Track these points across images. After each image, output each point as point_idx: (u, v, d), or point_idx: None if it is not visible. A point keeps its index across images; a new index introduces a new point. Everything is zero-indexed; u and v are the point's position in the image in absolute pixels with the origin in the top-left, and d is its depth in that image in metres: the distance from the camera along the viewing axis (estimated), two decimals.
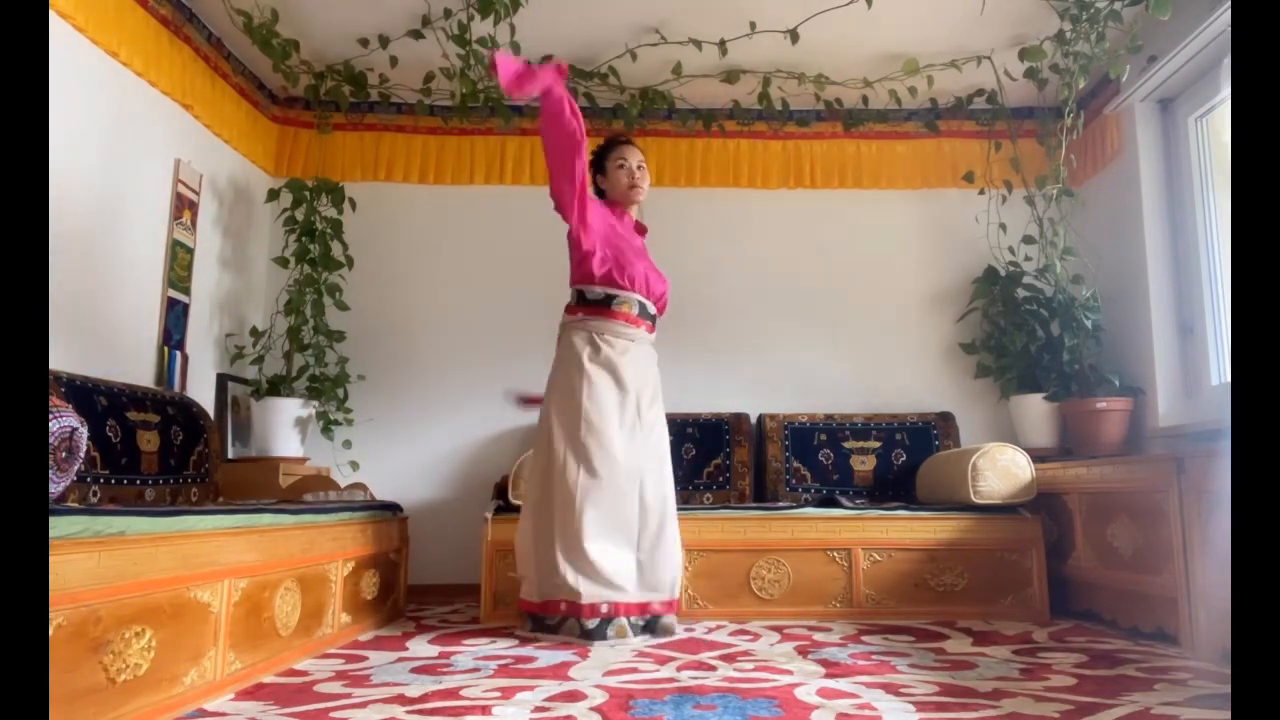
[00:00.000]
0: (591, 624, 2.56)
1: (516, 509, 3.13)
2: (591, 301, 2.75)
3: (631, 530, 2.64)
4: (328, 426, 3.74)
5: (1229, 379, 3.13)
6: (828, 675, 2.09)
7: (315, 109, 4.02)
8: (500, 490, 3.31)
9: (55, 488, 1.66)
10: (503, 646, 2.52)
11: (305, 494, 3.09)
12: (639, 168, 2.84)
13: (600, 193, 2.91)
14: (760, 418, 3.95)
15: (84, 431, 1.70)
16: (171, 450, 2.78)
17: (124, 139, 3.02)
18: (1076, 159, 3.82)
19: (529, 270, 4.04)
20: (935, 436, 3.83)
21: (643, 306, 2.80)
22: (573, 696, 1.86)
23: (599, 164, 2.90)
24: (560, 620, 2.60)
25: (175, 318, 3.32)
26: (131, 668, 1.60)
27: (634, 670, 2.15)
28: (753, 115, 4.15)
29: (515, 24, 3.37)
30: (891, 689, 1.93)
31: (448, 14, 3.42)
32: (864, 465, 3.78)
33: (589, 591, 2.55)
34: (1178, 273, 3.47)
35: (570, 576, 2.55)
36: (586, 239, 2.71)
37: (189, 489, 2.84)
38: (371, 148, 4.14)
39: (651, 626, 2.66)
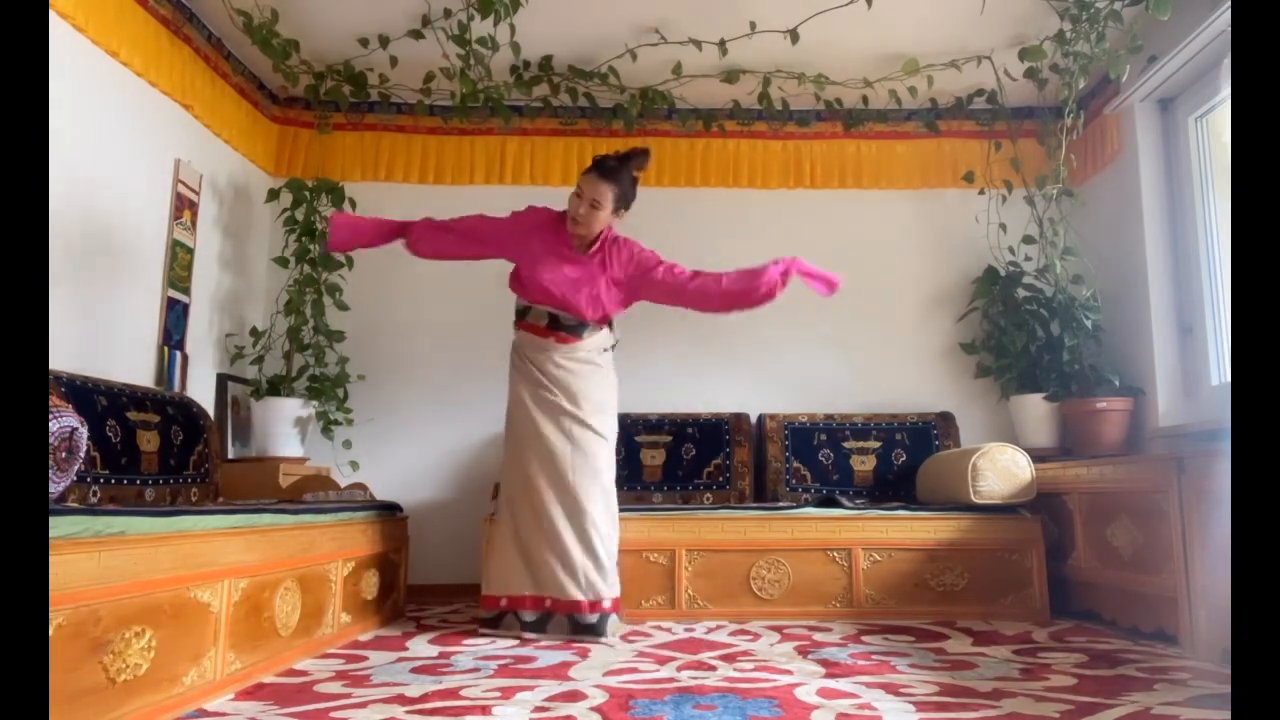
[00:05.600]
0: (488, 614, 2.72)
1: None
2: (517, 313, 2.85)
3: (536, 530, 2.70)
4: (328, 426, 3.74)
5: (1229, 379, 3.13)
6: (828, 675, 2.09)
7: (315, 109, 4.02)
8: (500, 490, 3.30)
9: (55, 488, 1.66)
10: (503, 646, 2.52)
11: (305, 494, 3.09)
12: (590, 206, 2.68)
13: None
14: (760, 418, 3.95)
15: (84, 431, 1.70)
16: (171, 450, 2.78)
17: (124, 139, 3.02)
18: (1076, 159, 3.81)
19: None
20: (935, 436, 3.83)
21: (554, 318, 2.77)
22: (573, 696, 1.86)
23: None
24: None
25: (175, 318, 3.32)
26: (131, 668, 1.60)
27: (634, 670, 2.15)
28: (753, 115, 4.15)
29: (515, 24, 3.36)
30: (891, 689, 1.93)
31: (448, 14, 3.42)
32: (864, 465, 3.78)
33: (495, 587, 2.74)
34: (1178, 273, 3.47)
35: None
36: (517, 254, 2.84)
37: (189, 489, 2.84)
38: (371, 148, 4.14)
39: (542, 623, 2.66)
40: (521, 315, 2.83)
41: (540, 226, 2.82)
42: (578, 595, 2.62)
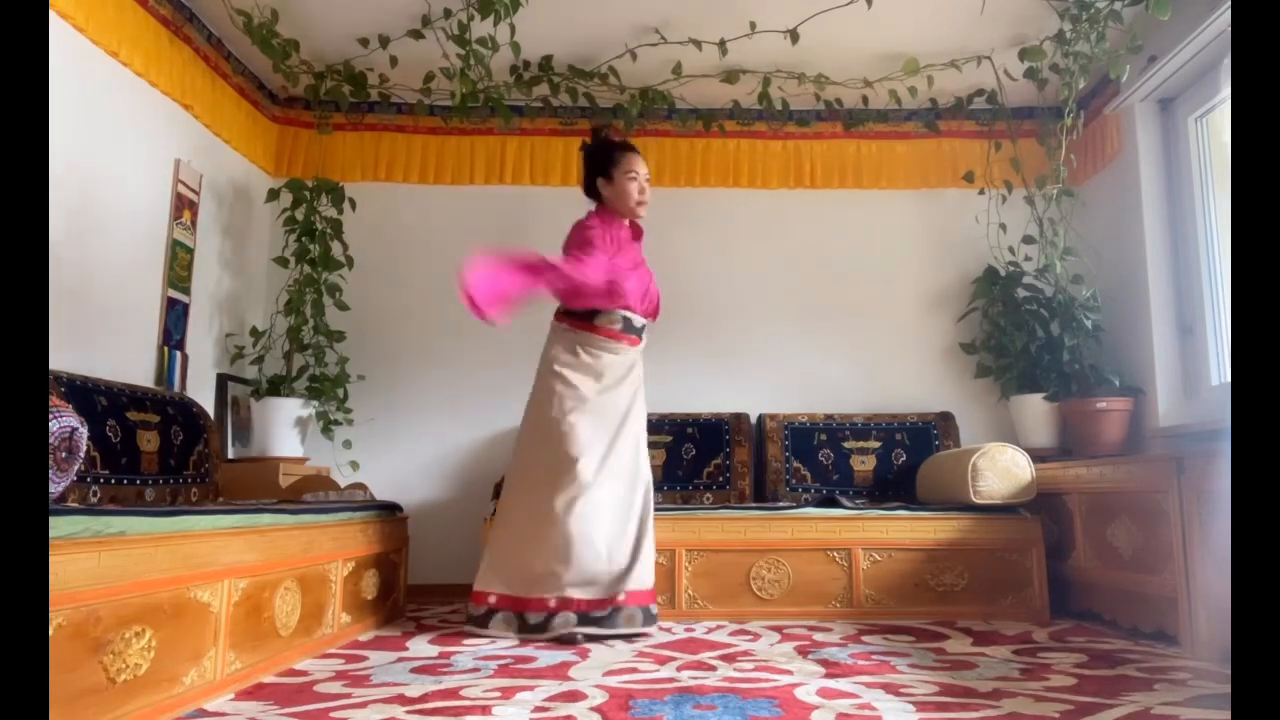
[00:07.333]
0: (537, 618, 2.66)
1: None
2: (578, 314, 2.78)
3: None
4: (328, 426, 3.74)
5: (1229, 379, 3.13)
6: (828, 675, 2.09)
7: (315, 109, 4.02)
8: (500, 490, 3.30)
9: (55, 488, 1.66)
10: (503, 646, 2.52)
11: (305, 494, 3.09)
12: (648, 180, 2.84)
13: (596, 194, 2.87)
14: (760, 418, 3.95)
15: (84, 431, 1.70)
16: (171, 450, 2.78)
17: (124, 139, 3.02)
18: (1076, 159, 3.82)
19: None
20: (935, 436, 3.83)
21: (627, 321, 2.78)
22: (573, 696, 1.86)
23: (603, 168, 2.84)
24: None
25: (175, 318, 3.32)
26: (131, 668, 1.60)
27: (634, 670, 2.15)
28: (753, 115, 4.15)
29: (515, 24, 3.37)
30: (891, 689, 1.93)
31: (448, 14, 3.42)
32: (864, 465, 3.78)
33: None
34: (1178, 273, 3.47)
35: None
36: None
37: (189, 489, 2.84)
38: (371, 148, 4.14)
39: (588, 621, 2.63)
40: (589, 316, 2.76)
41: (617, 235, 2.81)
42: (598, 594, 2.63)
